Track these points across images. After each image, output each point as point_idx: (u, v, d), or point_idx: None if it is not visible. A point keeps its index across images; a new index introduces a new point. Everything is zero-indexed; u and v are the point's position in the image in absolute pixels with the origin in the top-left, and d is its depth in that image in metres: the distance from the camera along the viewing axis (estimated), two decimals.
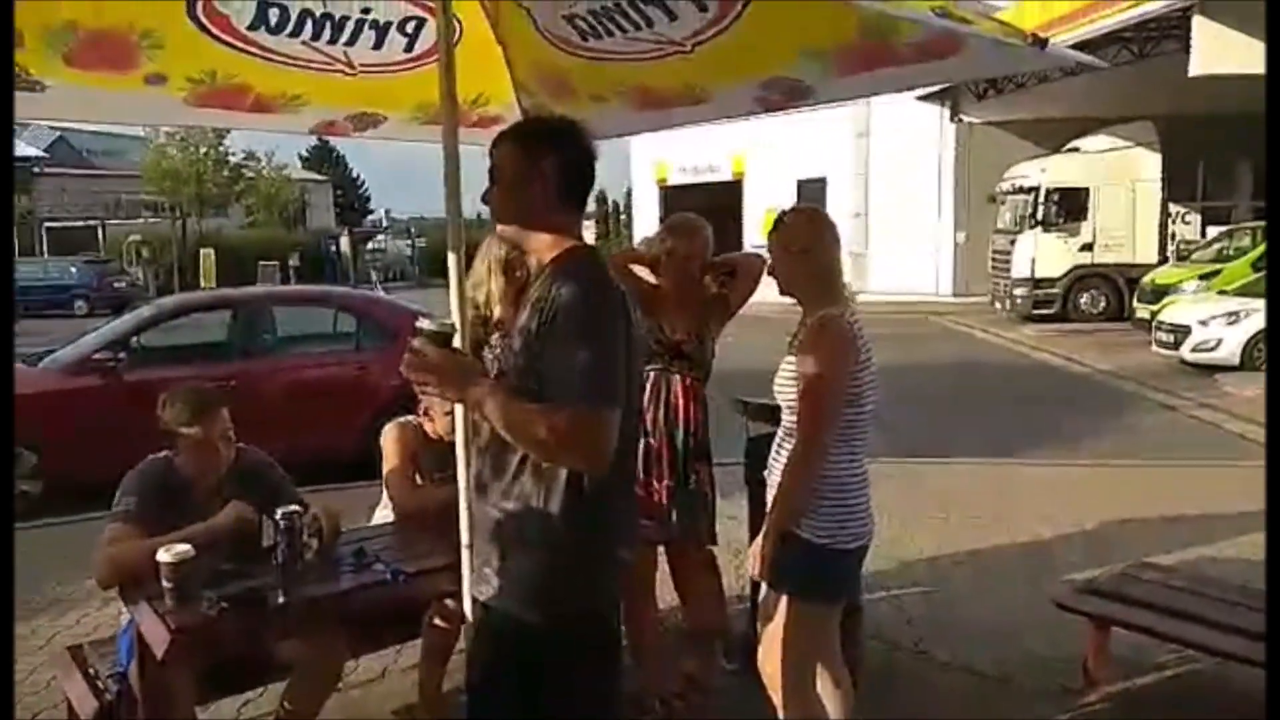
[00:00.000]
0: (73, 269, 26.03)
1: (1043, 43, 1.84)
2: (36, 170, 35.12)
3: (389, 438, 3.17)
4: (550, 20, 2.54)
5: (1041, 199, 16.76)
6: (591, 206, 46.85)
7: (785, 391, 2.49)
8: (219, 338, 7.60)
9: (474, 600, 1.96)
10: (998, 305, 18.07)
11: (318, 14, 2.39)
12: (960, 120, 22.05)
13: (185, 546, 2.28)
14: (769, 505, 2.51)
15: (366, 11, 2.47)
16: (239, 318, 7.54)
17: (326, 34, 2.47)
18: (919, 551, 5.08)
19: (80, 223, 34.13)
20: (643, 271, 3.33)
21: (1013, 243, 17.34)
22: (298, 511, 2.47)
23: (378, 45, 2.58)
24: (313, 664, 2.73)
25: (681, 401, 3.23)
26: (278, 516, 2.43)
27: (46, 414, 6.52)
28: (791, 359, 2.49)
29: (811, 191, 23.90)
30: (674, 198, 27.31)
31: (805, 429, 2.42)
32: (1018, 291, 17.15)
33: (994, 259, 18.45)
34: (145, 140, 32.56)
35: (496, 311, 3.02)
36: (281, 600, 2.37)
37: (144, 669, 2.27)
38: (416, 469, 3.14)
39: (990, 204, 18.89)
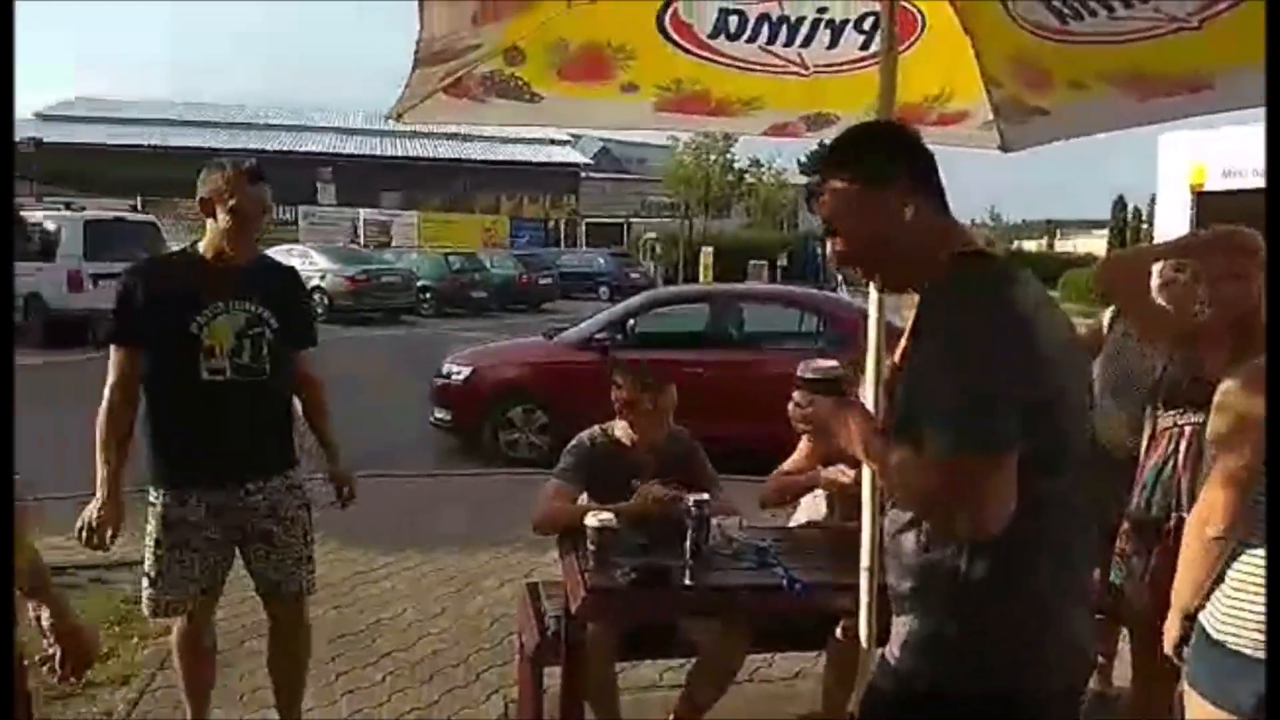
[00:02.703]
0: (600, 260, 30.30)
1: None
2: (583, 175, 41.57)
3: (805, 439, 3.15)
4: (1024, 4, 2.28)
5: None
6: (1105, 214, 42.04)
7: None
8: (696, 328, 8.28)
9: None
10: None
11: (774, 17, 2.44)
12: None
13: (609, 515, 2.50)
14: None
15: (823, 11, 2.45)
16: (713, 311, 8.17)
17: (783, 36, 2.50)
18: None
19: (612, 220, 39.57)
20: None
21: None
22: (707, 500, 2.56)
23: (832, 44, 2.55)
24: (714, 650, 2.83)
25: None
26: (690, 504, 2.54)
27: (555, 381, 7.70)
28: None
29: None
30: (1211, 206, 23.25)
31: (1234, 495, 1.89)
32: None
33: None
34: (668, 148, 36.69)
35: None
36: (687, 583, 2.47)
37: (566, 618, 2.53)
38: None
39: None
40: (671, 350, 7.72)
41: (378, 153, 39.43)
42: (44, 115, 37.79)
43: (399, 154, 39.66)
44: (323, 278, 20.06)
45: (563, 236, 37.94)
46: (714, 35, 2.44)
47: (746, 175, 38.38)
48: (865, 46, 2.56)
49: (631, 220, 40.00)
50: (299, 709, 3.07)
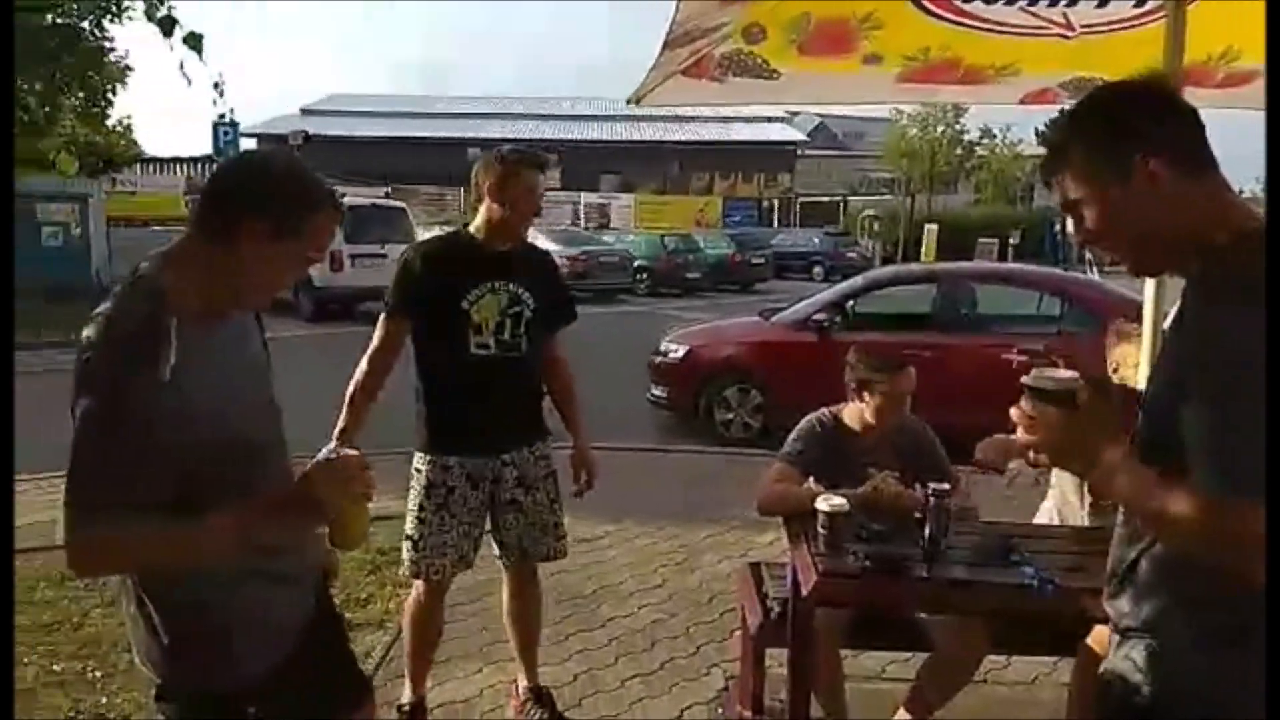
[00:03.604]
0: (815, 239, 29.67)
1: None
2: (799, 153, 40.84)
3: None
4: None
5: None
6: None
7: None
8: (922, 309, 7.93)
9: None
10: None
11: None
12: None
13: (841, 500, 2.44)
14: None
15: None
16: (941, 292, 7.79)
17: None
18: None
19: (827, 197, 38.68)
20: None
21: None
22: (947, 490, 2.44)
23: (1103, 3, 2.34)
24: (950, 646, 2.71)
25: None
26: (929, 492, 2.43)
27: (771, 362, 7.65)
28: None
29: None
30: None
31: None
32: None
33: None
34: (890, 121, 35.30)
35: None
36: (924, 575, 2.38)
37: (795, 600, 2.51)
38: None
39: None
40: (894, 333, 7.44)
41: (598, 138, 40.68)
42: (306, 110, 42.00)
43: (617, 139, 40.72)
44: None
45: (776, 216, 37.52)
46: None
47: (977, 147, 36.18)
48: (1140, 3, 2.33)
49: (849, 198, 38.91)
50: (536, 664, 3.26)
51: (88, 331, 1.45)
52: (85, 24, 13.89)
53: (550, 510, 3.01)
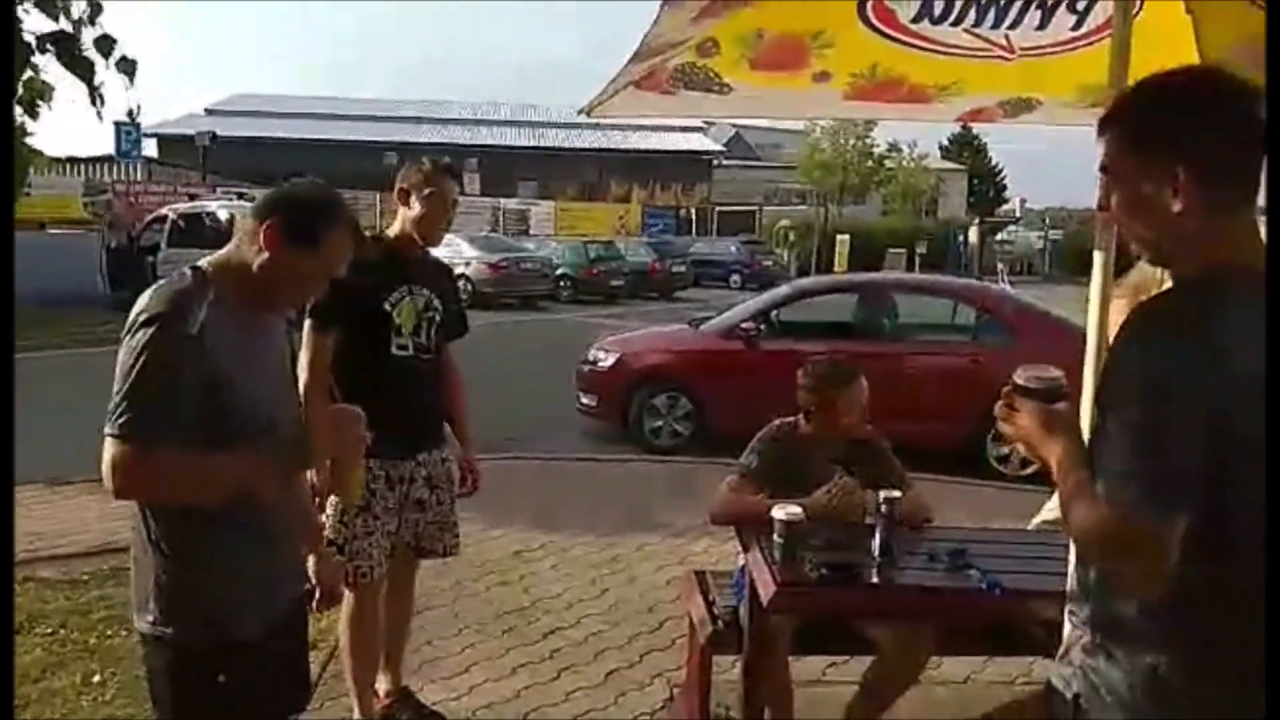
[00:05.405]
0: (733, 248, 30.04)
1: None
2: (715, 163, 41.38)
3: None
4: None
5: None
6: None
7: None
8: (845, 318, 8.12)
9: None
10: None
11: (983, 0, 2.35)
12: None
13: (797, 509, 2.47)
14: None
15: None
16: (863, 302, 7.99)
17: (990, 18, 2.41)
18: None
19: (744, 207, 39.25)
20: None
21: None
22: (897, 497, 2.50)
23: (1042, 25, 2.44)
24: (897, 650, 2.77)
25: None
26: (880, 500, 2.49)
27: (700, 370, 7.72)
28: None
29: None
30: None
31: None
32: None
33: None
34: (804, 134, 36.06)
35: None
36: (874, 581, 2.43)
37: (752, 609, 2.53)
38: None
39: None
40: (819, 341, 7.56)
41: (516, 143, 40.43)
42: (211, 110, 40.57)
43: (536, 144, 40.57)
44: (467, 264, 20.78)
45: (694, 224, 37.90)
46: (917, 20, 2.38)
47: (886, 160, 37.28)
48: (1077, 27, 2.44)
49: (764, 208, 39.57)
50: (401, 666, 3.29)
51: (144, 293, 1.71)
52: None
53: (450, 510, 3.10)
